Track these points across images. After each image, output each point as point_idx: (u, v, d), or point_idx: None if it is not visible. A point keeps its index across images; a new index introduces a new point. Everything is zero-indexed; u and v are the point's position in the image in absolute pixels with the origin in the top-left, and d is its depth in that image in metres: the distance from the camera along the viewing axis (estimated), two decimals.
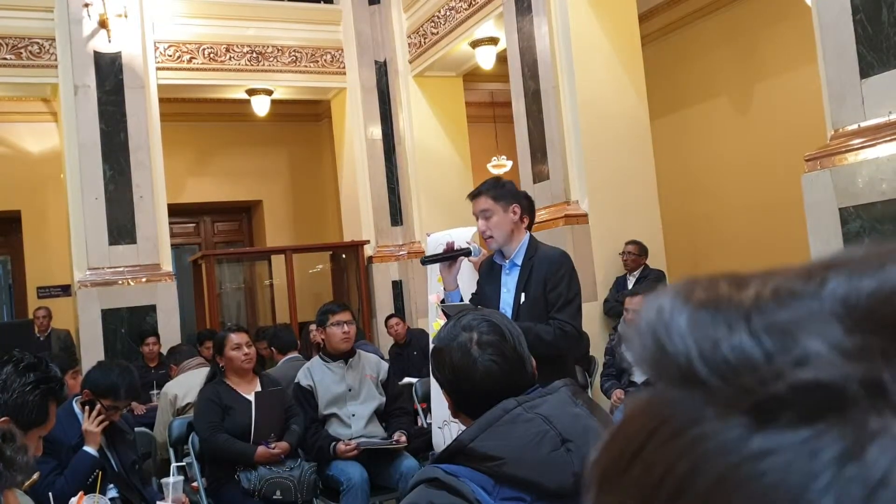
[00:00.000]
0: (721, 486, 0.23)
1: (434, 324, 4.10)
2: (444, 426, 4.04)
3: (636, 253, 5.71)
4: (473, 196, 2.98)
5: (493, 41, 7.36)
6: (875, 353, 0.23)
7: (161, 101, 7.38)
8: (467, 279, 3.41)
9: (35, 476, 1.70)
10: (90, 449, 2.95)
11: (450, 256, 3.06)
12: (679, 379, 0.26)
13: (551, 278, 2.81)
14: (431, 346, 1.57)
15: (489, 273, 3.01)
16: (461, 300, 3.03)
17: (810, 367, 0.23)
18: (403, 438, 3.90)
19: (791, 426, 0.23)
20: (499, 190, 2.92)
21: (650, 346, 0.26)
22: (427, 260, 3.30)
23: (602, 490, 0.28)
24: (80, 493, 2.56)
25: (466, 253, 3.08)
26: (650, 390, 0.27)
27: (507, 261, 2.94)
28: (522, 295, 2.84)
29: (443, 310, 3.11)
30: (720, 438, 0.24)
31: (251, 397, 3.82)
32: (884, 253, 0.26)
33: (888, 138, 3.42)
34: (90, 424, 2.96)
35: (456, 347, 1.44)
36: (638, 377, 4.85)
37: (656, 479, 0.25)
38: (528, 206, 3.03)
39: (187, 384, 4.62)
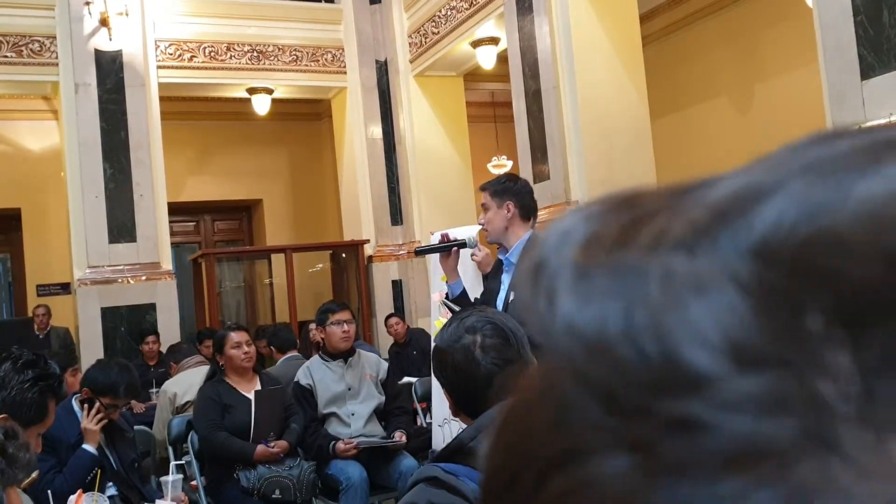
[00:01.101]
0: None
1: (436, 322, 4.11)
2: (445, 424, 4.04)
3: None
4: (481, 189, 3.08)
5: (493, 41, 7.36)
6: (804, 356, 0.16)
7: (162, 99, 7.38)
8: (471, 278, 3.42)
9: (34, 475, 1.70)
10: (89, 447, 2.95)
11: (445, 247, 3.09)
12: (559, 367, 0.19)
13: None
14: (434, 344, 1.57)
15: (495, 270, 3.06)
16: (463, 290, 3.06)
17: (711, 405, 0.16)
18: (403, 437, 3.91)
19: (706, 480, 0.16)
20: (498, 186, 3.00)
21: (532, 316, 0.19)
22: (422, 250, 3.35)
23: (488, 483, 0.22)
24: (80, 491, 2.56)
25: (461, 244, 3.11)
26: (538, 370, 0.21)
27: (506, 258, 2.97)
28: (511, 294, 2.86)
29: (446, 305, 3.12)
30: (607, 489, 0.17)
31: (251, 396, 3.82)
32: (819, 165, 0.18)
33: None
34: (89, 422, 2.96)
35: (459, 349, 1.44)
36: None
37: (529, 484, 0.19)
38: (533, 206, 3.06)
39: (187, 382, 4.62)
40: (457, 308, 2.92)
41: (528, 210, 3.00)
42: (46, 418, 2.18)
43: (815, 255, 0.16)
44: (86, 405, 3.00)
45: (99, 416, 2.97)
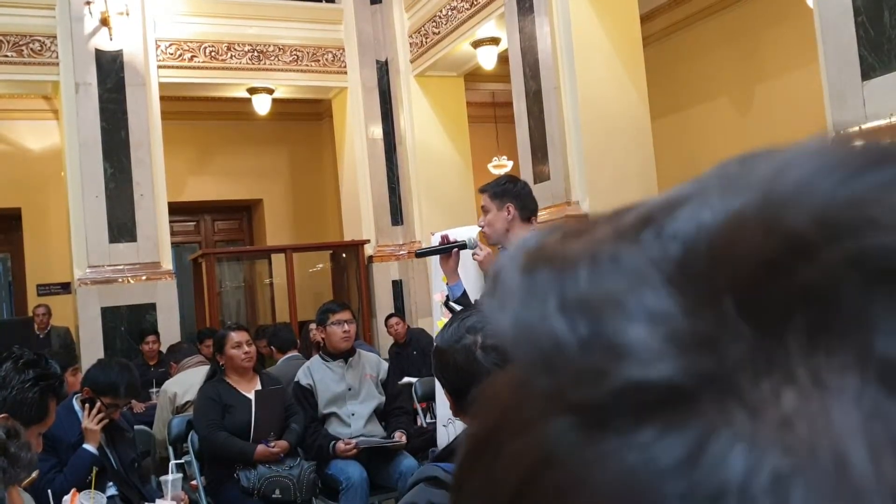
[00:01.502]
0: (565, 495, 0.19)
1: (438, 322, 4.11)
2: (449, 424, 4.04)
3: None
4: (481, 191, 3.09)
5: (494, 41, 7.36)
6: (711, 327, 0.19)
7: (162, 99, 7.38)
8: (473, 279, 3.42)
9: (35, 474, 1.70)
10: (90, 447, 2.95)
11: (445, 249, 3.09)
12: (507, 361, 0.22)
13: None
14: (434, 344, 1.57)
15: None
16: (463, 292, 3.06)
17: (629, 363, 0.19)
18: (403, 437, 3.91)
19: (621, 432, 0.19)
20: (498, 188, 3.00)
21: (493, 318, 0.22)
22: (422, 252, 3.35)
23: (457, 484, 0.24)
24: (73, 490, 2.56)
25: (461, 246, 3.11)
26: (504, 371, 0.24)
27: None
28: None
29: (447, 306, 3.12)
30: (548, 447, 0.20)
31: (251, 396, 3.82)
32: (736, 175, 0.21)
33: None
34: (90, 422, 2.96)
35: (460, 349, 1.44)
36: None
37: (491, 494, 0.22)
38: (533, 207, 3.07)
39: (187, 382, 4.63)
40: (458, 308, 2.92)
41: (528, 211, 3.01)
42: (47, 418, 2.18)
43: (719, 244, 0.19)
44: (86, 405, 3.00)
45: (100, 415, 2.97)
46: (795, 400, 0.18)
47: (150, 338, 6.54)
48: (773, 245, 0.18)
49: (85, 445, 2.95)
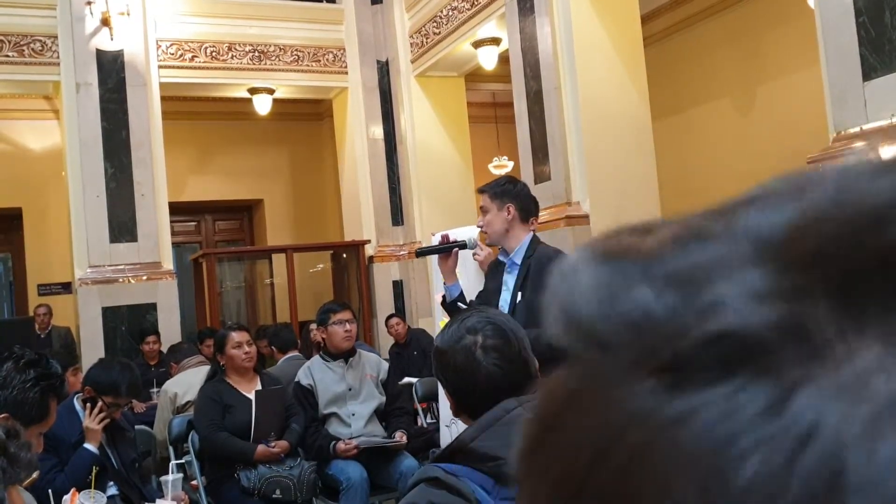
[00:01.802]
0: (637, 459, 0.21)
1: (440, 322, 4.11)
2: (452, 424, 4.04)
3: None
4: (480, 191, 3.09)
5: (495, 41, 7.36)
6: (793, 293, 0.20)
7: (163, 99, 7.38)
8: (473, 278, 3.43)
9: (35, 475, 1.70)
10: (90, 446, 2.95)
11: (444, 248, 3.10)
12: (588, 346, 0.23)
13: (549, 280, 2.82)
14: (435, 345, 1.57)
15: (494, 270, 3.06)
16: (461, 293, 3.06)
17: (718, 317, 0.20)
18: (404, 438, 3.91)
19: (705, 385, 0.20)
20: (498, 189, 3.00)
21: (558, 313, 0.24)
22: (422, 252, 3.35)
23: (519, 476, 0.25)
24: (73, 490, 2.56)
25: (461, 246, 3.11)
26: (568, 363, 0.25)
27: (508, 259, 2.98)
28: (519, 294, 2.87)
29: (444, 307, 3.13)
30: (631, 405, 0.21)
31: (251, 396, 3.82)
32: (800, 181, 0.23)
33: (890, 141, 3.42)
34: (91, 422, 2.96)
35: (460, 350, 1.44)
36: None
37: (568, 455, 0.23)
38: (532, 208, 3.07)
39: (187, 382, 4.63)
40: (462, 307, 2.93)
41: (527, 212, 3.01)
42: (48, 418, 2.18)
43: (798, 224, 0.21)
44: (88, 404, 3.00)
45: (101, 415, 2.97)
46: (872, 358, 0.19)
47: (151, 338, 6.54)
48: (851, 219, 0.20)
49: (86, 445, 2.95)
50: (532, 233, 3.00)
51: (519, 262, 2.93)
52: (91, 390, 3.01)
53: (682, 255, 0.22)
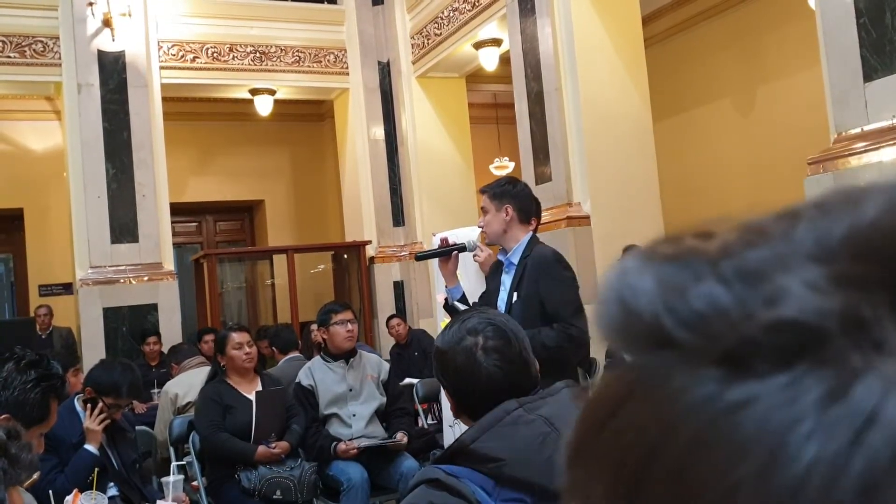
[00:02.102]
0: (696, 446, 0.21)
1: (442, 323, 4.11)
2: (455, 424, 4.04)
3: None
4: (481, 192, 3.10)
5: (496, 42, 7.36)
6: (853, 287, 0.21)
7: (164, 100, 7.39)
8: (474, 279, 3.43)
9: (35, 475, 1.70)
10: (91, 447, 2.95)
11: (444, 252, 3.10)
12: (648, 341, 0.24)
13: (545, 281, 2.83)
14: (435, 345, 1.57)
15: (494, 271, 3.07)
16: (462, 295, 3.07)
17: (783, 306, 0.21)
18: (404, 438, 3.91)
19: (767, 373, 0.21)
20: (497, 189, 3.02)
21: (616, 312, 0.24)
22: (422, 256, 3.36)
23: (571, 466, 0.26)
24: (75, 490, 2.56)
25: (461, 248, 3.11)
26: (622, 364, 0.25)
27: (506, 259, 2.99)
28: (515, 294, 2.88)
29: (446, 308, 3.13)
30: (692, 394, 0.22)
31: (252, 396, 3.82)
32: (856, 192, 0.24)
33: (891, 142, 3.42)
34: (92, 422, 2.96)
35: (460, 351, 1.44)
36: None
37: (626, 445, 0.23)
38: (533, 210, 3.08)
39: (188, 383, 4.63)
40: (461, 307, 2.93)
41: (527, 213, 3.01)
42: (49, 418, 2.18)
43: (857, 230, 0.22)
44: (88, 405, 3.00)
45: (102, 416, 2.97)
46: None
47: (152, 339, 6.54)
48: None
49: (86, 446, 2.95)
50: (531, 233, 3.00)
51: (516, 262, 2.94)
52: (92, 391, 3.01)
53: (749, 252, 0.23)
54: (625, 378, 0.25)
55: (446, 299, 3.12)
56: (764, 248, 0.23)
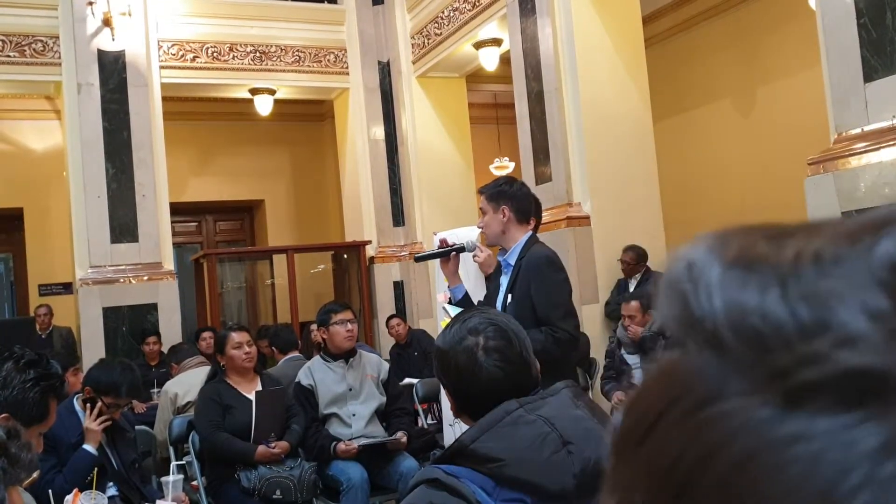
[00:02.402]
0: (741, 472, 0.21)
1: (442, 322, 4.11)
2: (455, 423, 4.04)
3: (632, 262, 5.70)
4: (479, 192, 3.10)
5: (496, 42, 7.36)
6: None
7: (164, 99, 7.39)
8: (474, 280, 3.42)
9: (35, 475, 1.70)
10: (89, 447, 2.94)
11: (443, 252, 3.10)
12: (705, 342, 0.23)
13: (536, 283, 2.82)
14: (436, 345, 1.57)
15: (496, 272, 3.08)
16: (465, 294, 3.07)
17: (854, 350, 0.20)
18: (404, 438, 3.90)
19: (826, 411, 0.20)
20: (494, 190, 3.01)
21: (676, 305, 0.24)
22: (421, 257, 3.35)
23: (618, 460, 0.26)
24: (76, 490, 2.56)
25: (460, 249, 3.11)
26: (676, 352, 0.25)
27: (504, 259, 2.99)
28: (509, 296, 2.88)
29: (446, 310, 3.12)
30: (744, 418, 0.22)
31: (252, 396, 3.82)
32: None
33: (891, 142, 3.42)
34: (91, 422, 2.96)
35: (461, 351, 1.44)
36: (638, 379, 4.85)
37: (669, 459, 0.23)
38: (532, 209, 3.07)
39: (188, 383, 4.63)
40: (453, 311, 2.92)
41: (525, 213, 3.00)
42: (48, 418, 2.18)
43: None
44: (88, 405, 3.00)
45: (101, 417, 2.97)
46: None
47: (151, 339, 6.54)
48: None
49: (85, 446, 2.95)
50: (530, 233, 2.99)
51: (513, 262, 2.94)
52: (91, 391, 3.01)
53: (820, 275, 0.22)
54: (676, 375, 0.24)
55: (449, 299, 3.12)
56: (837, 273, 0.22)
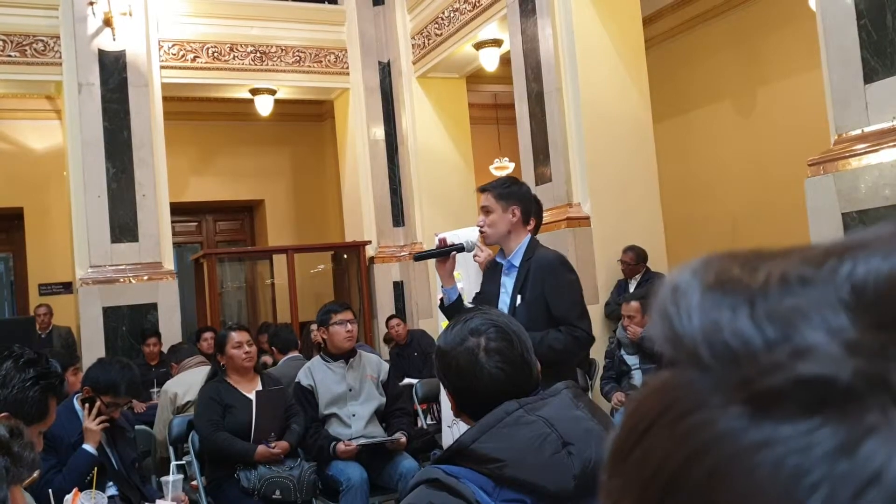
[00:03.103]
0: (714, 478, 0.23)
1: (443, 323, 4.11)
2: (454, 425, 4.05)
3: (632, 262, 5.70)
4: (481, 190, 3.03)
5: (496, 43, 7.36)
6: (880, 348, 0.22)
7: (165, 99, 7.39)
8: (474, 280, 3.42)
9: (35, 474, 1.70)
10: (89, 447, 2.94)
11: (441, 252, 3.05)
12: (688, 359, 0.25)
13: (550, 283, 2.81)
14: (437, 345, 1.57)
15: (491, 272, 3.03)
16: (459, 296, 3.04)
17: (810, 361, 0.23)
18: (403, 438, 3.91)
19: (788, 419, 0.22)
20: (503, 189, 2.95)
21: (664, 326, 0.26)
22: (419, 256, 3.32)
23: (611, 470, 0.28)
24: (75, 489, 2.56)
25: (459, 249, 3.07)
26: (669, 370, 0.27)
27: (506, 261, 2.95)
28: (518, 297, 2.85)
29: (441, 310, 3.11)
30: (718, 428, 0.24)
31: (252, 396, 3.82)
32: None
33: (891, 144, 3.42)
34: (90, 422, 2.96)
35: (463, 352, 1.44)
36: (637, 380, 4.85)
37: (653, 466, 0.25)
38: (535, 211, 3.06)
39: (188, 382, 4.63)
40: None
41: (528, 215, 2.99)
42: (48, 417, 2.18)
43: (889, 283, 0.23)
44: (87, 404, 2.99)
45: (101, 417, 2.97)
46: None
47: (152, 340, 6.53)
48: None
49: (84, 446, 2.95)
50: (530, 234, 2.98)
51: (517, 264, 2.91)
52: (90, 390, 3.01)
53: (785, 295, 0.24)
54: (664, 391, 0.27)
55: (441, 300, 3.09)
56: (801, 292, 0.24)
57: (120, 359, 3.43)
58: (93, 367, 3.18)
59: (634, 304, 4.72)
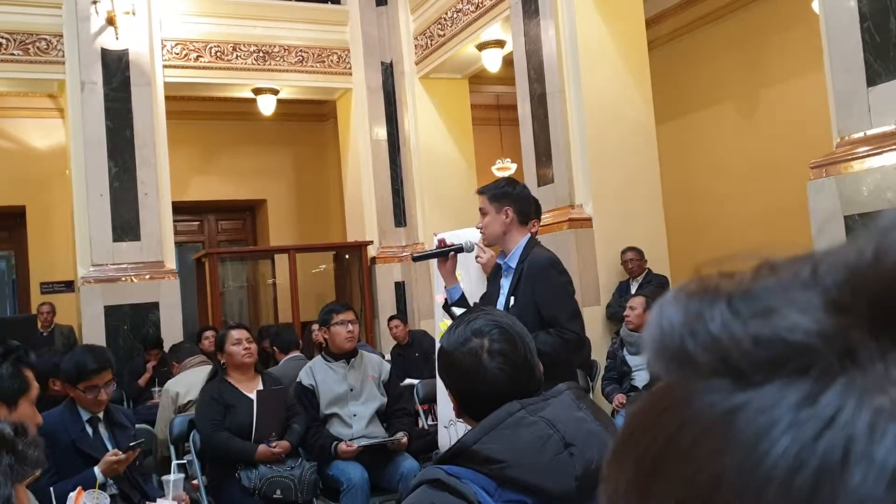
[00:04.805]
0: (700, 440, 0.26)
1: (441, 324, 4.11)
2: (451, 425, 4.04)
3: (638, 259, 5.71)
4: (478, 193, 3.07)
5: (499, 44, 7.36)
6: (841, 312, 0.25)
7: (167, 98, 7.39)
8: (475, 280, 3.42)
9: (37, 472, 1.71)
10: (100, 475, 2.90)
11: (441, 252, 3.08)
12: (678, 362, 0.28)
13: (540, 285, 2.82)
14: (438, 346, 1.57)
15: (494, 273, 3.06)
16: (462, 295, 3.05)
17: (774, 325, 0.25)
18: (404, 438, 3.91)
19: (761, 382, 0.25)
20: (496, 191, 2.99)
21: (655, 337, 0.29)
22: (418, 257, 3.34)
23: (609, 465, 0.30)
24: (79, 488, 2.56)
25: (458, 249, 3.09)
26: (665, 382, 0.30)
27: (504, 262, 2.97)
28: (511, 298, 2.86)
29: (446, 310, 3.12)
30: (703, 400, 0.26)
31: (253, 396, 3.82)
32: (867, 236, 0.27)
33: (894, 147, 3.42)
34: (116, 457, 2.90)
35: (466, 352, 1.44)
36: (639, 381, 4.85)
37: (649, 440, 0.28)
38: (533, 211, 3.06)
39: (189, 382, 4.63)
40: (458, 312, 2.92)
41: (525, 215, 3.00)
42: (30, 387, 2.21)
43: (853, 272, 0.26)
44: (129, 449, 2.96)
45: (125, 456, 2.91)
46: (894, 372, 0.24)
47: (154, 352, 6.39)
48: (887, 270, 0.25)
49: (96, 469, 2.89)
50: (529, 235, 2.99)
51: (514, 265, 2.92)
52: (60, 382, 3.00)
53: (757, 284, 0.27)
54: (658, 392, 0.29)
55: (445, 300, 3.11)
56: (770, 281, 0.27)
57: (85, 344, 3.41)
58: (62, 362, 3.19)
59: (640, 298, 4.90)
